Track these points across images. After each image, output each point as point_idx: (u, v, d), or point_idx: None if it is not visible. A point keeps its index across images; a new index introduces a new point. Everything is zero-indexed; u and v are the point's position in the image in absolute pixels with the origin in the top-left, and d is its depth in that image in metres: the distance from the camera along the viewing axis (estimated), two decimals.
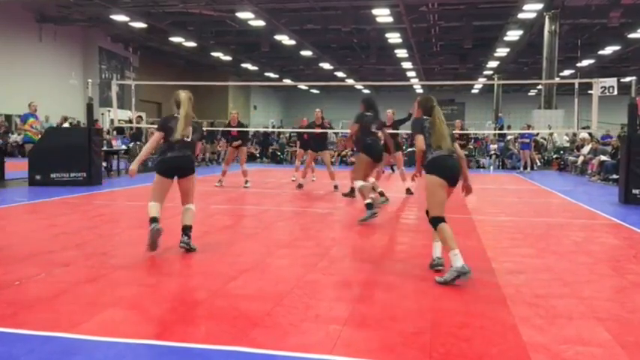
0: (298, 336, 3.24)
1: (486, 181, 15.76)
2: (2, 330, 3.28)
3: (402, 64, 31.83)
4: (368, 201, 7.10)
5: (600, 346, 3.18)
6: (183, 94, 5.37)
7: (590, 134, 18.29)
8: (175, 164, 5.36)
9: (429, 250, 5.66)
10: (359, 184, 7.19)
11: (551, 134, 21.46)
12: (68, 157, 11.07)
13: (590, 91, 10.52)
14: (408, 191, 10.76)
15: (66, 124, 18.82)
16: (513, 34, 23.26)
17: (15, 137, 21.50)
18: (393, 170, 15.30)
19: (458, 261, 4.30)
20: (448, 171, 4.55)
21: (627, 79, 22.54)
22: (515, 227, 7.31)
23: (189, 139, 5.38)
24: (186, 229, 5.47)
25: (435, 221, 4.52)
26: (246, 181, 11.97)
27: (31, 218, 7.54)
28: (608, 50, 26.81)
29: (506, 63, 30.38)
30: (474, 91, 44.54)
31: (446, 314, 3.66)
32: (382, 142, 7.67)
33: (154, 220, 5.23)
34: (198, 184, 12.48)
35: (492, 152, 21.14)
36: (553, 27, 20.30)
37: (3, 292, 4.02)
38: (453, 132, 4.91)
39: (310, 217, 8.05)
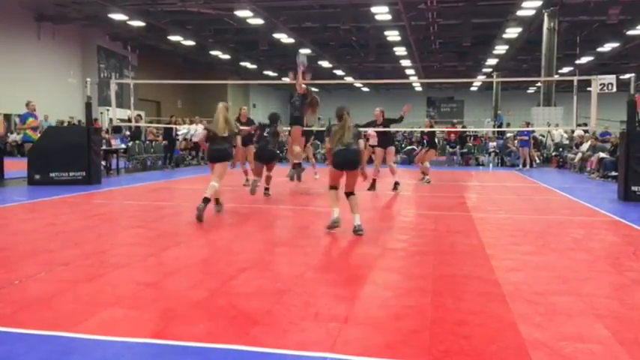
0: (298, 334, 3.25)
1: (485, 178, 15.77)
2: (2, 329, 3.28)
3: (401, 61, 31.82)
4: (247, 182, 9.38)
5: (599, 343, 3.19)
6: (220, 105, 7.53)
7: (585, 131, 18.28)
8: (214, 155, 7.45)
9: (428, 248, 5.69)
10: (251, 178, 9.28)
11: (549, 131, 21.46)
12: (67, 157, 11.06)
13: (589, 89, 10.53)
14: (395, 185, 10.90)
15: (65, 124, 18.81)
16: (512, 32, 23.26)
17: (14, 137, 21.49)
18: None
19: (334, 215, 6.31)
20: (342, 161, 6.36)
21: (626, 76, 22.46)
22: (515, 225, 7.32)
23: (225, 135, 7.39)
24: (206, 200, 7.14)
25: (329, 188, 6.54)
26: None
27: (30, 217, 7.54)
28: (607, 47, 26.81)
29: (506, 60, 30.38)
30: (473, 88, 44.54)
31: (445, 312, 3.66)
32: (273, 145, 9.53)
33: (204, 200, 7.10)
34: (200, 184, 12.50)
35: (491, 150, 21.14)
36: (552, 24, 20.30)
37: (2, 291, 4.02)
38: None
39: (310, 215, 8.05)
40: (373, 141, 16.41)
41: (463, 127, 25.24)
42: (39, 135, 12.26)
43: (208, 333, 3.25)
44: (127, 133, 18.83)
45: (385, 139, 11.32)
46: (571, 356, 2.99)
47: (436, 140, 14.76)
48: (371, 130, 17.38)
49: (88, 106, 12.13)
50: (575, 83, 11.15)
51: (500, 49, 26.99)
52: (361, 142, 6.49)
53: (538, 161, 20.14)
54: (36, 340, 3.12)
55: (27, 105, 13.28)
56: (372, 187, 10.97)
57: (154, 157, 17.65)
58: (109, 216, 7.88)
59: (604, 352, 3.06)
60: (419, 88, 43.55)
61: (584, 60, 29.28)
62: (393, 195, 10.46)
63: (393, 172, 11.13)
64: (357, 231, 6.21)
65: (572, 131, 19.43)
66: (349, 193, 6.43)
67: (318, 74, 35.08)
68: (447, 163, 21.11)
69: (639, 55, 28.44)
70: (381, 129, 11.24)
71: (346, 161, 6.34)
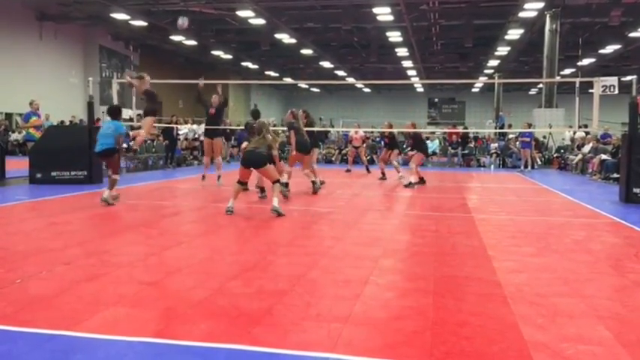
0: (299, 334, 3.25)
1: (487, 179, 15.77)
2: (4, 328, 3.29)
3: (403, 62, 31.81)
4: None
5: (601, 344, 3.19)
6: (263, 121, 8.56)
7: (586, 133, 18.26)
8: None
9: (430, 249, 5.69)
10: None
11: (550, 133, 21.45)
12: (69, 156, 11.07)
13: (590, 90, 10.52)
14: (411, 184, 11.94)
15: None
16: (514, 33, 23.23)
17: (15, 136, 21.49)
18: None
19: (230, 204, 7.75)
20: (247, 160, 7.86)
21: (628, 77, 22.50)
22: (516, 226, 7.31)
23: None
24: (285, 184, 9.11)
25: (237, 182, 7.91)
26: (219, 177, 11.50)
27: (32, 216, 7.55)
28: (609, 49, 26.78)
29: (507, 62, 30.34)
30: (474, 89, 44.49)
31: (446, 313, 3.67)
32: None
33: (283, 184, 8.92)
34: (198, 184, 12.45)
35: (493, 151, 21.13)
36: (554, 26, 20.28)
37: (4, 290, 4.03)
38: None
39: (311, 215, 8.05)
40: (356, 143, 17.23)
41: (464, 128, 25.23)
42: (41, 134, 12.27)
43: (210, 333, 3.25)
44: (130, 133, 18.81)
45: (392, 142, 13.84)
46: (573, 358, 2.99)
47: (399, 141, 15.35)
48: (352, 133, 18.13)
49: (90, 106, 12.16)
50: (577, 85, 11.13)
51: (502, 50, 26.96)
52: (274, 152, 8.36)
53: (539, 162, 20.13)
54: (38, 340, 3.12)
55: (30, 104, 13.27)
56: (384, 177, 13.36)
57: (156, 157, 17.67)
58: (111, 215, 7.89)
59: (606, 353, 3.06)
60: (420, 89, 43.51)
61: (585, 62, 29.24)
62: (396, 193, 10.46)
63: (399, 170, 13.20)
64: (273, 211, 7.58)
65: (574, 132, 19.42)
66: (273, 183, 7.87)
67: (320, 75, 35.19)
68: (448, 164, 21.11)
69: None
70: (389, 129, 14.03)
71: (250, 161, 7.84)
